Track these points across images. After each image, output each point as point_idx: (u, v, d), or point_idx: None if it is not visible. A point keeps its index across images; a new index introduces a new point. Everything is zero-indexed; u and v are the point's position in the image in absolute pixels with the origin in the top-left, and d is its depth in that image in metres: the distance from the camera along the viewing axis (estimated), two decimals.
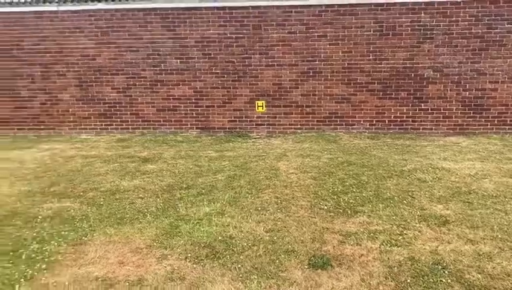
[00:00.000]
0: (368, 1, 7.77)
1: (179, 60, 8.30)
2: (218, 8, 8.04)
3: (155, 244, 3.82)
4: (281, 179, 5.54)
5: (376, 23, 7.84)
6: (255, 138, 8.09)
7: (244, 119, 8.46)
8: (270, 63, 8.18)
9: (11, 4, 8.68)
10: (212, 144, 7.68)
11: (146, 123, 8.58)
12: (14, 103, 8.65)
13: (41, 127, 8.69)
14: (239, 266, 3.41)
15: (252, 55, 8.18)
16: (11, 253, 3.69)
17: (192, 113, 8.52)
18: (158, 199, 4.94)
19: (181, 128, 8.57)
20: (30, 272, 3.36)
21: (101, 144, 7.74)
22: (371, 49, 7.94)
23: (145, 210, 4.61)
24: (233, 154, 6.83)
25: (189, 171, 6.01)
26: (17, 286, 3.16)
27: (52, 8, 8.30)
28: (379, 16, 7.80)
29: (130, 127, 8.59)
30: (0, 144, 7.91)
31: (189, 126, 8.56)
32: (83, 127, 8.64)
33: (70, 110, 8.61)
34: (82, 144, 7.83)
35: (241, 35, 8.13)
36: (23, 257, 3.61)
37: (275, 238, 3.88)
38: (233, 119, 8.49)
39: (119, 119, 8.57)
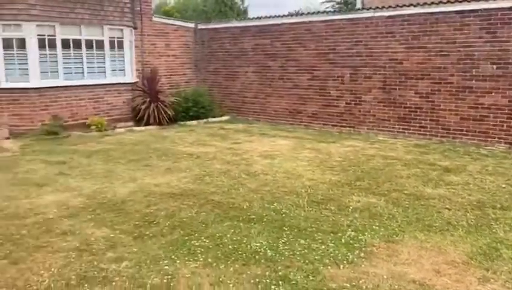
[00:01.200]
0: None
1: (495, 66, 7.48)
2: None
3: (473, 262, 3.54)
4: None
5: None
6: None
7: None
8: None
9: (336, 13, 9.77)
10: None
11: (445, 131, 8.15)
12: (323, 101, 9.75)
13: (343, 124, 9.49)
14: None
15: None
16: (332, 234, 4.13)
17: (503, 126, 7.55)
18: (468, 214, 4.59)
19: (485, 140, 7.73)
20: (351, 256, 3.66)
21: (399, 147, 7.82)
22: None
23: (455, 223, 4.36)
24: None
25: (502, 190, 5.35)
26: (341, 266, 3.50)
27: (368, 14, 8.86)
28: None
29: (427, 133, 8.35)
30: (309, 136, 9.07)
31: (496, 139, 7.64)
32: (380, 128, 8.95)
33: (371, 111, 9.06)
34: (380, 144, 8.11)
35: None
36: (342, 240, 3.98)
37: None
38: None
39: (417, 125, 8.46)
